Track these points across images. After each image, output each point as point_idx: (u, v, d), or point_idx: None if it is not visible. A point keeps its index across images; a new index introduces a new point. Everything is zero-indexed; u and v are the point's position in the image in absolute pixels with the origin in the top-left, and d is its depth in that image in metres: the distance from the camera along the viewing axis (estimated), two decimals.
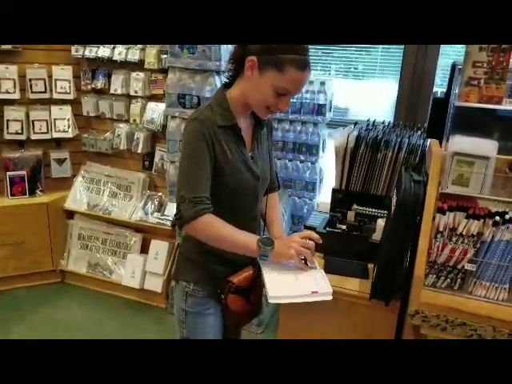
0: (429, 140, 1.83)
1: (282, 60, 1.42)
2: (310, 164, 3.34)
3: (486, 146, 1.45)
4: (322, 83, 3.20)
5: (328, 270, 1.78)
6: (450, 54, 3.08)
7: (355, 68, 3.53)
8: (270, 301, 1.56)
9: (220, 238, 1.54)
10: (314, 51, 3.49)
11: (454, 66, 1.64)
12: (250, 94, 1.53)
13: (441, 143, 1.65)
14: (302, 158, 3.34)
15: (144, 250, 3.75)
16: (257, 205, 1.70)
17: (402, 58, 3.15)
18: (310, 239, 1.60)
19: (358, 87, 3.52)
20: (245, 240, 1.54)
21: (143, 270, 3.65)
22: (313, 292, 1.59)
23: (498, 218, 1.44)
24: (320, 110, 3.20)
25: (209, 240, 1.55)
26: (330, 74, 3.55)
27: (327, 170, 3.42)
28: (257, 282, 1.68)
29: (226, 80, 1.63)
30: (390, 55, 3.31)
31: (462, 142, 1.46)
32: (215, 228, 1.52)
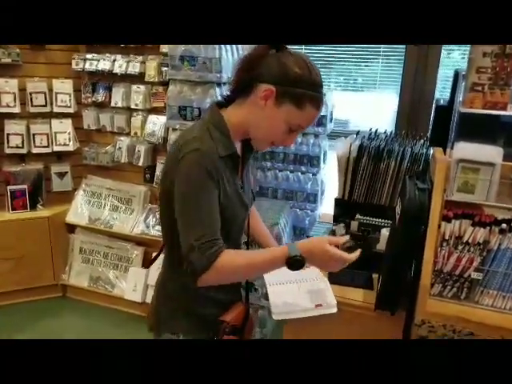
0: (432, 148, 1.82)
1: (301, 95, 1.31)
2: (311, 175, 3.32)
3: (491, 153, 1.43)
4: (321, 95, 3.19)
5: (332, 280, 1.76)
6: (448, 65, 3.08)
7: (355, 80, 3.54)
8: (274, 317, 1.55)
9: (244, 272, 1.38)
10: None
11: (457, 74, 1.64)
12: (257, 124, 1.39)
13: (444, 151, 1.63)
14: (304, 169, 3.32)
15: (146, 263, 3.72)
16: (242, 232, 1.60)
17: (402, 69, 3.15)
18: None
19: (359, 99, 3.52)
20: (271, 262, 1.34)
21: (145, 283, 3.61)
22: (316, 305, 1.58)
23: (504, 225, 1.42)
24: (320, 121, 3.20)
25: (233, 280, 1.44)
26: (329, 87, 3.55)
27: (329, 182, 3.41)
28: (249, 318, 1.61)
29: (222, 99, 1.48)
30: (390, 67, 3.31)
31: (466, 149, 1.44)
32: (234, 266, 1.32)
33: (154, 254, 1.74)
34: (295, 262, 1.29)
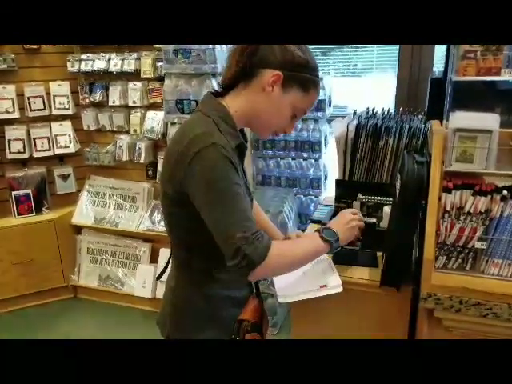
0: (429, 122, 1.80)
1: (307, 79, 1.31)
2: (313, 161, 3.32)
3: (488, 120, 1.41)
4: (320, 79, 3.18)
5: (337, 261, 1.75)
6: None
7: (354, 65, 3.51)
8: (279, 300, 1.55)
9: (295, 262, 1.36)
10: (313, 51, 3.47)
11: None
12: (262, 111, 1.34)
13: (441, 123, 1.62)
14: (305, 155, 3.32)
15: (153, 259, 3.73)
16: None
17: (398, 47, 3.12)
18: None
19: (359, 84, 3.49)
20: (314, 248, 1.38)
21: (154, 279, 3.63)
22: (321, 286, 1.57)
23: (505, 192, 1.39)
24: (319, 105, 3.19)
25: (285, 270, 1.36)
26: (329, 73, 3.53)
27: (331, 166, 3.39)
28: (264, 311, 1.58)
29: (218, 89, 1.41)
30: (386, 47, 3.28)
31: (462, 118, 1.42)
32: (287, 254, 1.32)
33: (163, 267, 1.66)
34: (327, 233, 1.40)
